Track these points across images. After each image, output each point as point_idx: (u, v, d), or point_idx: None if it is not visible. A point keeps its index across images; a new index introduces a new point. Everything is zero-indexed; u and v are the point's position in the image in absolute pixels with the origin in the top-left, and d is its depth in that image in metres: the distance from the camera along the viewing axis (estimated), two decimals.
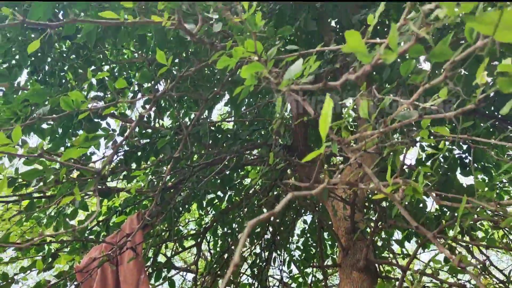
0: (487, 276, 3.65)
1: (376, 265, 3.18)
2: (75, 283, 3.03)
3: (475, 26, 0.84)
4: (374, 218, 3.16)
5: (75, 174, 3.08)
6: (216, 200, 4.30)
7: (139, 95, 3.47)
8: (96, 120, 3.17)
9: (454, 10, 0.98)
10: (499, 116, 3.27)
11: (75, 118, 2.70)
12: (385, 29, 4.01)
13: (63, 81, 3.31)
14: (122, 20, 1.97)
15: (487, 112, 3.34)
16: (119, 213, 3.50)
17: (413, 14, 1.23)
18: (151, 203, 3.38)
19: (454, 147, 3.59)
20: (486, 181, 3.86)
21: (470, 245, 3.87)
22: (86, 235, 3.49)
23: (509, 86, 1.19)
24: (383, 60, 1.10)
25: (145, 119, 3.56)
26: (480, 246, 3.55)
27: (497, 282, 3.56)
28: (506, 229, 3.40)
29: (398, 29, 1.17)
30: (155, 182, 3.14)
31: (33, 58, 3.23)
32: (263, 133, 3.88)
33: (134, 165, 3.50)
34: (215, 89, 3.29)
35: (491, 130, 3.41)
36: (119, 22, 1.96)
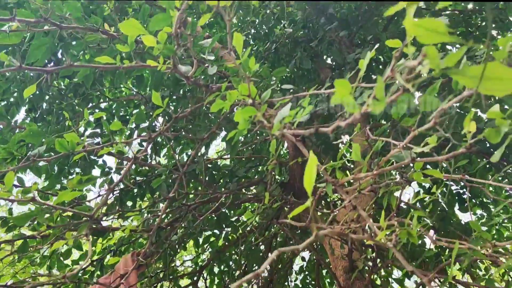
0: None
1: None
2: None
3: (459, 79, 0.85)
4: (372, 257, 3.12)
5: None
6: (213, 238, 4.26)
7: (135, 134, 3.49)
8: (92, 157, 3.17)
9: (438, 64, 1.00)
10: (494, 152, 3.25)
11: (71, 157, 2.70)
12: (380, 66, 4.07)
13: (61, 118, 3.34)
14: (118, 65, 2.00)
15: (482, 149, 3.35)
16: (114, 252, 3.45)
17: (402, 62, 1.25)
18: (146, 241, 3.35)
19: (451, 183, 3.58)
20: (485, 217, 3.83)
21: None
22: (79, 275, 3.44)
23: (497, 136, 1.19)
24: (371, 111, 1.10)
25: (141, 156, 3.55)
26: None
27: None
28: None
29: (384, 80, 1.18)
30: (151, 221, 3.11)
31: (31, 96, 3.27)
32: (259, 169, 3.88)
33: (129, 203, 3.48)
34: (212, 125, 3.31)
35: (487, 166, 3.40)
36: (115, 67, 1.99)
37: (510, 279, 3.43)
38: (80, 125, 2.71)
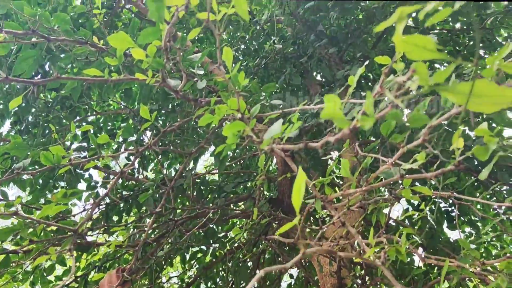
0: None
1: None
2: None
3: (448, 96, 0.85)
4: (361, 274, 3.10)
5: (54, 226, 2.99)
6: (200, 254, 4.19)
7: (123, 148, 3.45)
8: (78, 171, 3.13)
9: (427, 80, 0.99)
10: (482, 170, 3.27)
11: (56, 170, 2.66)
12: (369, 83, 4.09)
13: (47, 131, 3.29)
14: (106, 78, 1.98)
15: (470, 166, 3.36)
16: (98, 268, 3.38)
17: (391, 78, 1.25)
18: (132, 257, 3.29)
19: (440, 200, 3.58)
20: (473, 235, 3.83)
21: None
22: None
23: (485, 154, 1.19)
24: (361, 126, 1.09)
25: (128, 171, 3.51)
26: None
27: None
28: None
29: (374, 96, 1.18)
30: (137, 236, 3.06)
31: (16, 108, 3.22)
32: (248, 185, 3.85)
33: (115, 218, 3.42)
34: (201, 140, 3.29)
35: (475, 184, 3.42)
36: (104, 80, 1.97)
37: None
38: (66, 138, 2.67)
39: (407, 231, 1.68)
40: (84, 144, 3.50)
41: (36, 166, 3.02)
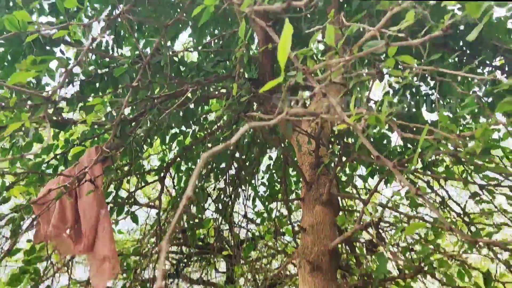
0: (446, 210, 3.78)
1: (339, 199, 3.22)
2: (33, 216, 2.96)
3: None
4: (339, 152, 3.16)
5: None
6: (180, 136, 4.20)
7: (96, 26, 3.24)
8: (49, 47, 2.96)
9: None
10: (467, 51, 3.24)
11: (25, 41, 2.49)
12: None
13: (10, 3, 3.04)
14: None
15: (455, 47, 3.31)
16: (77, 146, 3.36)
17: None
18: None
19: (421, 83, 3.59)
20: (451, 117, 3.91)
21: (430, 181, 3.99)
22: (43, 168, 3.36)
23: (477, 10, 1.12)
24: None
25: (102, 47, 3.35)
26: (440, 179, 3.66)
27: (455, 215, 3.71)
28: (466, 166, 3.49)
29: None
30: (114, 115, 3.00)
31: None
32: (228, 64, 3.73)
33: (91, 96, 3.33)
34: (177, 14, 3.10)
35: (458, 65, 3.39)
36: None
37: (468, 177, 3.58)
38: (31, 6, 2.48)
39: (388, 99, 1.66)
40: (53, 19, 3.27)
41: (2, 41, 2.85)
